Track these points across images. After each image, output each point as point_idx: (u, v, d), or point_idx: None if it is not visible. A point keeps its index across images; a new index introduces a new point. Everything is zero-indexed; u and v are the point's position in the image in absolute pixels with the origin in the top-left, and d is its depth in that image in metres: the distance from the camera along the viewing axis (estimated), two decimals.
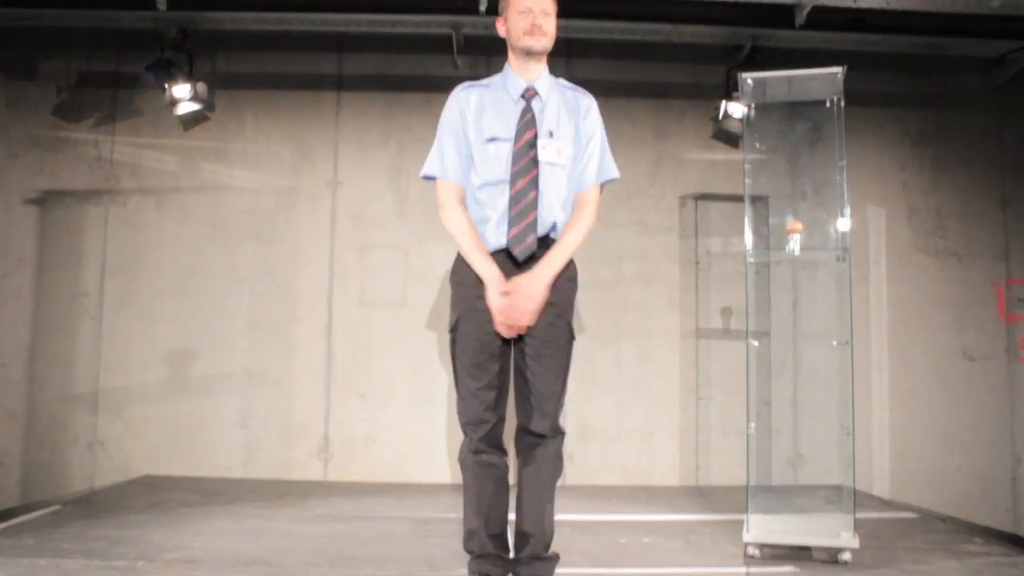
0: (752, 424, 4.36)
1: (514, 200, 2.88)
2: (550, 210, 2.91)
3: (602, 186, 3.08)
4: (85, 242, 5.82)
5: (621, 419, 5.76)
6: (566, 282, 2.98)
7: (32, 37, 5.83)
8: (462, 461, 3.01)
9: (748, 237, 4.48)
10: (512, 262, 2.89)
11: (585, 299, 5.80)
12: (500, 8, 3.06)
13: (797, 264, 5.49)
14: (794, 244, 4.58)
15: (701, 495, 5.33)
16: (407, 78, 5.98)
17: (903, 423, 5.83)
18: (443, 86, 5.87)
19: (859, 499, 4.49)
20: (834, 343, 4.40)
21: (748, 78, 4.61)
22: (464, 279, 2.96)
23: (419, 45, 5.89)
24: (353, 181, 5.91)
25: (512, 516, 3.04)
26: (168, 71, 5.50)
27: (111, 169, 5.86)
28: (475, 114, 2.96)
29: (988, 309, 5.94)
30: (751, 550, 3.80)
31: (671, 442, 5.76)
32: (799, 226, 4.57)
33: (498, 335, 2.87)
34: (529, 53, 2.97)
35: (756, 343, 4.52)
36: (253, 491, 5.20)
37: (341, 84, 6.00)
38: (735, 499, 4.61)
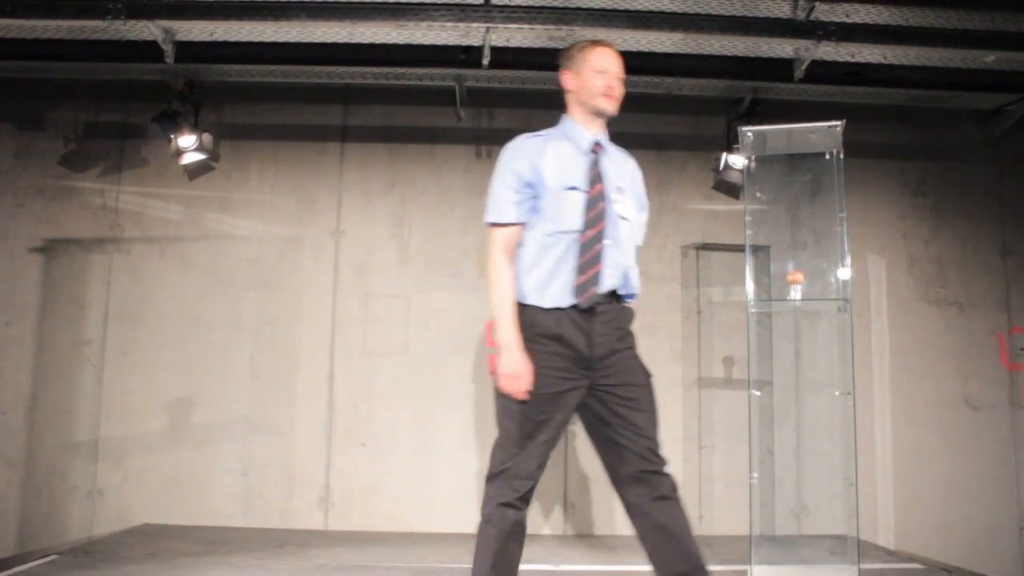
0: (755, 474, 4.36)
1: (585, 248, 2.88)
2: (625, 261, 2.99)
3: None
4: (88, 290, 5.85)
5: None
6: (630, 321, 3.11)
7: (41, 88, 5.92)
8: (488, 515, 2.89)
9: (749, 286, 4.51)
10: (584, 314, 2.87)
11: None
12: (567, 62, 3.09)
13: (799, 313, 5.52)
14: (795, 294, 4.61)
15: (704, 545, 5.19)
16: (410, 129, 6.05)
17: (907, 473, 5.79)
18: (446, 138, 6.04)
19: (864, 549, 4.47)
20: (836, 393, 4.41)
21: (748, 131, 4.69)
22: (538, 332, 2.89)
23: (422, 97, 5.97)
24: (356, 231, 5.95)
25: None
26: (174, 122, 5.58)
27: (116, 218, 5.91)
28: (549, 163, 2.96)
29: (990, 358, 5.93)
30: None
31: None
32: (800, 276, 4.61)
33: (567, 392, 2.85)
34: (600, 113, 3.02)
35: (758, 392, 4.54)
36: (253, 540, 5.15)
37: (345, 135, 6.07)
38: (739, 549, 4.58)
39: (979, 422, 5.88)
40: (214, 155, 5.89)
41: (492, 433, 5.73)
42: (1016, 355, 5.93)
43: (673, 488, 2.90)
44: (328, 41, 5.30)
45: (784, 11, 5.03)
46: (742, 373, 5.56)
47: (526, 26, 4.99)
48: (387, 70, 5.61)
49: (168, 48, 5.16)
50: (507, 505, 2.85)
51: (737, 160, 5.54)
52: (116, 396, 5.73)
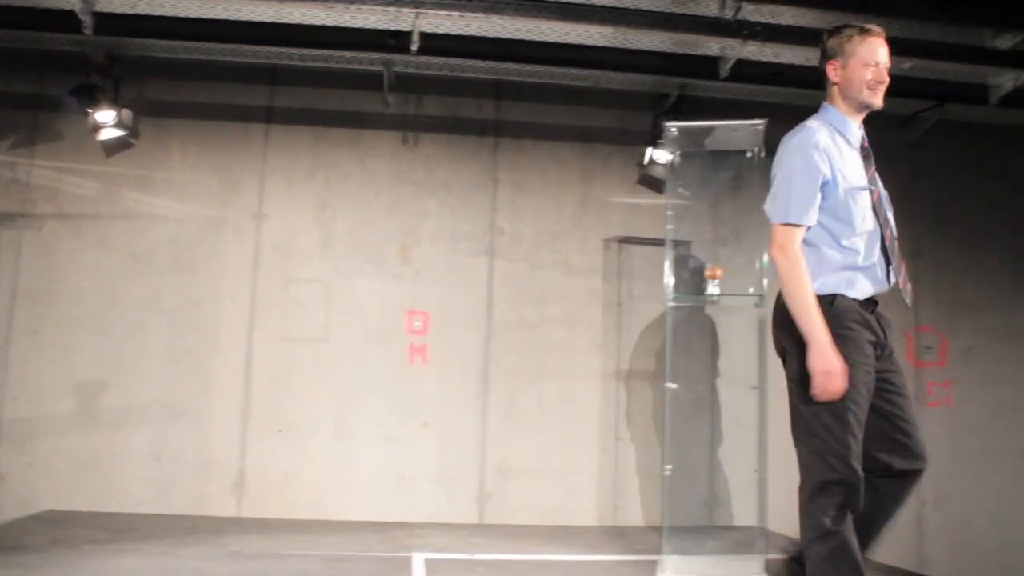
0: (669, 466, 4.42)
1: (892, 249, 2.91)
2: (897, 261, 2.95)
3: None
4: None
5: (541, 459, 5.76)
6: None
7: None
8: (841, 523, 2.73)
9: (669, 280, 4.57)
10: (870, 309, 2.90)
11: (508, 339, 5.85)
12: (833, 51, 2.97)
13: (717, 308, 5.60)
14: (714, 289, 4.68)
15: (619, 535, 5.34)
16: (337, 113, 5.98)
17: None
18: (373, 123, 5.98)
19: (773, 540, 4.55)
20: (750, 387, 4.50)
21: (673, 127, 4.74)
22: (853, 320, 2.84)
23: (350, 81, 5.90)
24: (279, 214, 5.86)
25: None
26: (92, 96, 5.41)
27: (28, 193, 5.71)
28: (838, 161, 2.88)
29: (899, 356, 6.07)
30: None
31: (591, 482, 5.77)
32: (719, 271, 4.69)
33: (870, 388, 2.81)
34: (866, 107, 2.97)
35: (674, 385, 4.59)
36: (163, 527, 5.04)
37: (270, 117, 5.97)
38: (652, 540, 4.65)
39: None
40: (134, 132, 5.73)
41: (412, 421, 5.73)
42: (922, 353, 6.12)
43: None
44: (255, 20, 5.21)
45: (712, 9, 5.11)
46: (660, 366, 5.63)
47: (456, 13, 4.97)
48: (315, 52, 5.53)
49: (87, 19, 5.01)
50: (847, 515, 2.74)
51: (661, 155, 5.59)
52: (22, 377, 5.54)
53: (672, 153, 4.91)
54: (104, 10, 5.07)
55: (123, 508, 5.42)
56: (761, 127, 4.57)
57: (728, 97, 5.79)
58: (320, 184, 5.91)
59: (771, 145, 4.56)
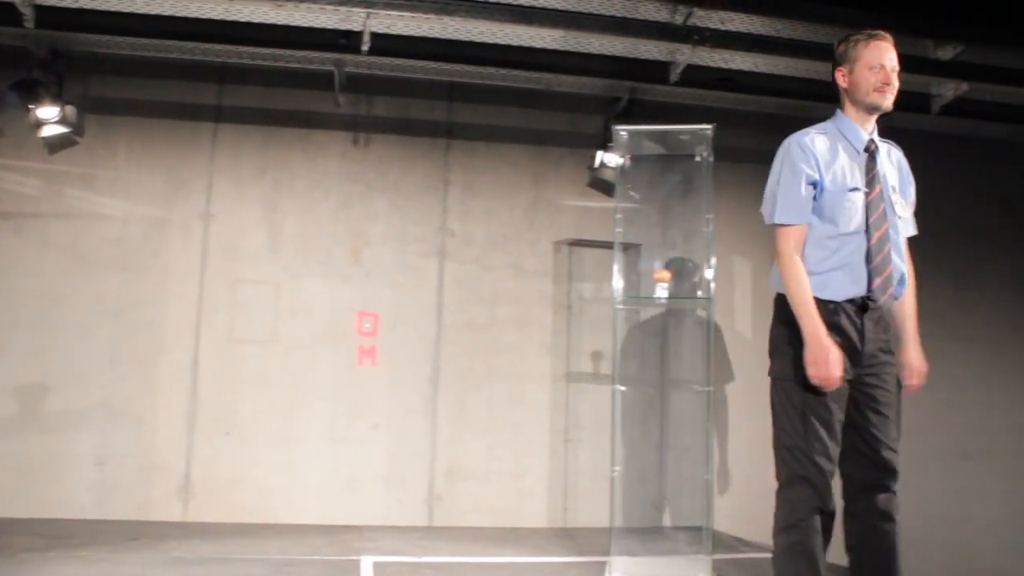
0: (617, 467, 4.44)
1: (876, 251, 2.91)
2: (901, 262, 2.99)
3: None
4: None
5: (491, 461, 5.76)
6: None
7: None
8: (806, 518, 2.88)
9: (617, 283, 4.59)
10: (857, 309, 2.91)
11: (458, 340, 5.84)
12: (841, 58, 3.02)
13: (666, 311, 5.64)
14: (662, 292, 4.72)
15: (568, 537, 5.36)
16: (287, 113, 5.92)
17: (765, 468, 5.97)
18: (323, 123, 5.94)
19: (720, 540, 4.61)
20: (699, 389, 4.54)
21: (622, 130, 4.77)
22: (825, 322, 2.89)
23: (300, 81, 5.84)
24: (226, 214, 5.79)
25: None
26: (34, 92, 5.29)
27: None
28: (827, 162, 2.94)
29: None
30: None
31: (540, 484, 5.78)
32: (667, 275, 4.73)
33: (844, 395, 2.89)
34: (875, 110, 2.98)
35: (623, 388, 4.62)
36: (106, 533, 4.95)
37: (219, 116, 5.89)
38: (601, 541, 4.66)
39: None
40: (78, 129, 5.61)
41: (361, 424, 5.69)
42: None
43: (895, 508, 2.97)
44: (204, 17, 5.13)
45: (663, 15, 5.16)
46: (610, 368, 5.66)
47: (407, 14, 4.96)
48: (264, 51, 5.47)
49: (27, 12, 4.91)
50: (816, 510, 2.88)
51: (612, 158, 5.63)
52: None
53: (622, 157, 4.94)
54: (46, 3, 4.94)
55: (65, 514, 5.30)
56: (709, 131, 4.62)
57: (678, 102, 5.85)
58: (269, 184, 5.84)
59: (719, 150, 4.66)
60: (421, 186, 5.99)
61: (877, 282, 2.92)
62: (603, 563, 4.15)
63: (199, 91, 5.89)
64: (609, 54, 5.51)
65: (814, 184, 2.93)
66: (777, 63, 5.46)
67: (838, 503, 2.94)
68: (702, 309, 4.61)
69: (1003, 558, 6.37)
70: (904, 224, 3.08)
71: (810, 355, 2.79)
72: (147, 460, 5.50)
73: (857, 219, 2.93)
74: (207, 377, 5.62)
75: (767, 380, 5.71)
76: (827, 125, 3.07)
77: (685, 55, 5.34)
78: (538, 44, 5.35)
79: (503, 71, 5.67)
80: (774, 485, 5.61)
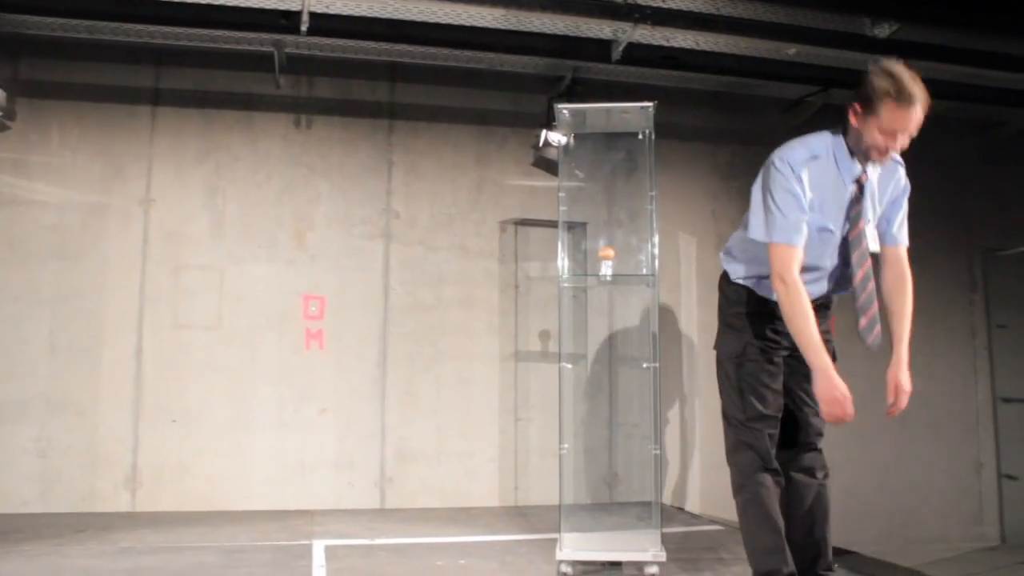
0: (565, 445, 4.46)
1: (860, 289, 2.95)
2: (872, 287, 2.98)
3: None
4: None
5: (441, 442, 5.77)
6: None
7: None
8: (752, 477, 3.10)
9: (562, 262, 4.60)
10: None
11: (405, 322, 5.82)
12: (863, 98, 2.81)
13: (612, 289, 5.68)
14: (607, 269, 4.73)
15: (520, 515, 5.39)
16: (227, 95, 5.83)
17: (714, 441, 6.05)
18: (264, 105, 5.85)
19: (669, 514, 4.68)
20: (644, 365, 4.57)
21: (565, 109, 4.75)
22: (758, 310, 3.12)
23: (240, 62, 5.75)
24: (167, 199, 5.69)
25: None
26: None
27: None
28: (812, 195, 2.91)
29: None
30: (564, 567, 3.86)
31: (491, 464, 5.81)
32: (611, 252, 4.73)
33: (779, 365, 3.12)
34: (867, 161, 2.92)
35: (569, 366, 4.65)
36: (50, 526, 4.86)
37: (157, 99, 5.77)
38: (552, 518, 4.68)
39: None
40: (8, 113, 5.47)
41: (309, 408, 5.65)
42: None
43: (821, 465, 3.24)
44: None
45: None
46: (557, 347, 5.69)
47: None
48: (202, 31, 5.37)
49: None
50: (765, 469, 3.10)
51: (555, 137, 5.62)
52: None
53: (565, 135, 4.93)
54: None
55: (6, 508, 5.20)
56: (651, 109, 4.62)
57: (622, 80, 5.88)
58: (211, 168, 5.75)
59: (664, 128, 4.68)
60: (364, 167, 5.94)
61: (863, 323, 2.97)
62: (554, 539, 4.17)
63: (136, 74, 5.77)
64: (551, 32, 5.48)
65: (805, 210, 2.90)
66: (718, 40, 5.49)
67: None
68: (647, 285, 4.62)
69: (947, 524, 6.58)
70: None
71: (825, 394, 2.83)
72: (91, 450, 5.41)
73: (828, 257, 3.01)
74: (151, 365, 5.53)
75: (712, 354, 5.80)
76: (823, 145, 2.97)
77: (627, 33, 5.33)
78: (480, 23, 5.31)
79: (445, 51, 5.64)
80: (722, 458, 5.72)
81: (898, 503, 6.47)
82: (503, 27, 5.36)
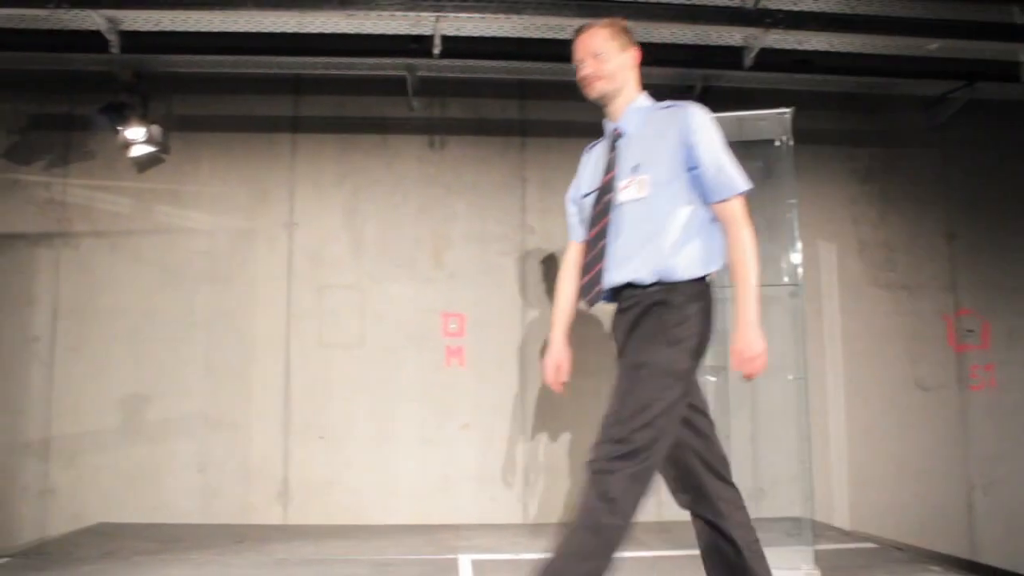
0: None
1: (588, 247, 2.84)
2: (630, 251, 2.73)
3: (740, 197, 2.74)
4: (36, 286, 5.73)
5: (582, 455, 5.72)
6: (655, 306, 2.68)
7: None
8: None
9: None
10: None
11: (542, 337, 5.81)
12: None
13: None
14: None
15: (663, 530, 5.32)
16: (362, 120, 6.00)
17: (861, 454, 5.90)
18: (398, 127, 6.01)
19: (819, 531, 4.53)
20: (790, 377, 4.46)
21: None
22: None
23: (374, 87, 5.92)
24: (309, 222, 5.90)
25: None
26: (122, 114, 5.48)
27: (63, 212, 5.79)
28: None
29: (938, 340, 6.06)
30: None
31: None
32: None
33: None
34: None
35: (714, 378, 4.57)
36: (211, 537, 5.11)
37: (296, 126, 6.00)
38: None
39: (929, 402, 6.01)
40: (164, 147, 5.79)
41: (451, 424, 5.74)
42: (963, 336, 6.07)
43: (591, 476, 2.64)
44: (277, 31, 5.24)
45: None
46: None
47: (476, 15, 4.97)
48: (337, 60, 5.57)
49: (113, 38, 5.06)
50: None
51: None
52: (67, 394, 5.63)
53: None
54: (130, 28, 5.10)
55: (171, 519, 5.50)
56: (789, 116, 4.54)
57: (753, 87, 5.76)
58: (349, 190, 5.94)
59: (798, 133, 4.57)
60: (498, 185, 6.01)
61: (584, 280, 2.86)
62: (696, 555, 4.10)
63: (276, 103, 6.01)
64: (680, 42, 5.45)
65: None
66: (854, 41, 5.33)
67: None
68: (790, 295, 4.52)
69: None
70: (642, 206, 2.74)
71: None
72: (245, 465, 5.66)
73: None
74: (299, 382, 5.75)
75: (858, 365, 5.60)
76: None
77: (758, 39, 5.23)
78: None
79: (573, 66, 5.64)
80: (872, 473, 5.53)
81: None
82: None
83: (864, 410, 5.95)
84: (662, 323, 2.65)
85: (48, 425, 5.59)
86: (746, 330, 2.62)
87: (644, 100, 2.97)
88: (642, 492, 2.61)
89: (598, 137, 3.10)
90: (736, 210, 2.72)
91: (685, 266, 2.67)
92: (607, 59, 2.88)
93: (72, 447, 5.58)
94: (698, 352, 2.70)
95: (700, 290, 2.71)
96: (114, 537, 5.06)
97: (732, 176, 2.73)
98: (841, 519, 5.76)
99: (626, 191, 2.77)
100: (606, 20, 2.96)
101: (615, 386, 2.70)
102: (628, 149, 2.84)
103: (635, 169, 2.77)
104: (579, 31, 2.94)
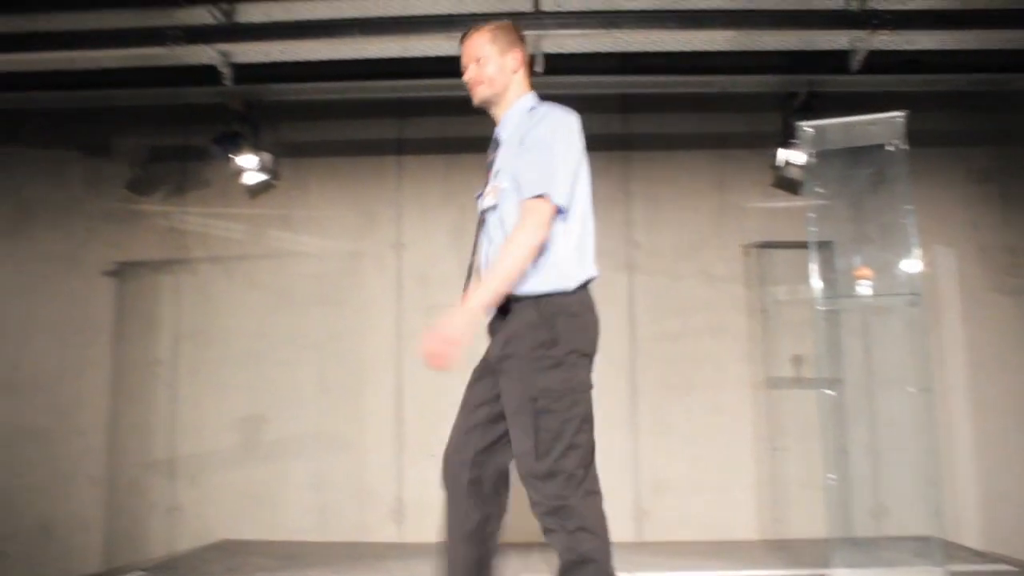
0: (832, 476, 4.28)
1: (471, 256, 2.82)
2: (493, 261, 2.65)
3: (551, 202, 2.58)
4: (159, 311, 5.98)
5: (695, 472, 5.66)
6: (525, 327, 2.61)
7: (106, 116, 6.08)
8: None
9: (816, 283, 4.45)
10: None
11: (652, 351, 5.79)
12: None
13: (867, 309, 5.41)
14: (864, 289, 4.53)
15: (781, 549, 5.20)
16: (466, 140, 6.06)
17: (991, 469, 5.62)
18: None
19: (950, 551, 4.35)
20: (912, 389, 4.32)
21: (808, 126, 4.62)
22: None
23: (476, 107, 5.96)
24: (417, 243, 5.99)
25: None
26: (234, 143, 5.68)
27: (182, 239, 6.03)
28: None
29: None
30: None
31: (747, 494, 5.64)
32: (867, 271, 4.53)
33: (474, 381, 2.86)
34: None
35: (831, 392, 4.46)
36: (328, 555, 5.23)
37: (402, 148, 6.11)
38: (816, 552, 4.52)
39: None
40: (275, 173, 5.98)
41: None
42: None
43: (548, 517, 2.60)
44: (382, 56, 5.36)
45: (837, 2, 4.97)
46: (811, 372, 5.48)
47: (577, 31, 4.98)
48: (440, 82, 5.63)
49: (226, 71, 5.25)
50: None
51: (796, 156, 5.46)
52: (189, 414, 5.85)
53: (808, 153, 4.78)
54: (241, 61, 5.30)
55: (289, 536, 5.65)
56: (901, 119, 4.42)
57: (860, 90, 5.58)
58: (455, 210, 6.00)
59: (911, 134, 4.44)
60: (603, 200, 5.91)
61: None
62: (821, 575, 4.01)
63: (381, 126, 6.14)
64: (784, 49, 5.36)
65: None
66: (966, 37, 5.14)
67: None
68: (909, 304, 4.38)
69: None
70: (497, 215, 2.73)
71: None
72: (360, 484, 5.76)
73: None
74: (410, 402, 5.83)
75: (984, 375, 5.40)
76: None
77: (864, 41, 5.09)
78: (710, 47, 5.26)
79: (675, 78, 5.61)
80: (1005, 490, 5.30)
81: None
82: (734, 48, 5.28)
83: (992, 422, 5.68)
84: (538, 346, 2.57)
85: (173, 445, 5.82)
86: (456, 313, 2.58)
87: (527, 103, 2.89)
88: (600, 502, 2.55)
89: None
90: (533, 212, 2.56)
91: (542, 279, 2.60)
92: (487, 62, 2.84)
93: (195, 466, 5.80)
94: (582, 363, 2.63)
95: (568, 301, 2.64)
96: (236, 554, 5.22)
97: (545, 177, 2.59)
98: (971, 539, 5.51)
99: (486, 199, 2.77)
100: (490, 23, 2.89)
101: (517, 420, 2.61)
102: (499, 156, 2.80)
103: (496, 176, 2.74)
104: (463, 36, 2.89)
